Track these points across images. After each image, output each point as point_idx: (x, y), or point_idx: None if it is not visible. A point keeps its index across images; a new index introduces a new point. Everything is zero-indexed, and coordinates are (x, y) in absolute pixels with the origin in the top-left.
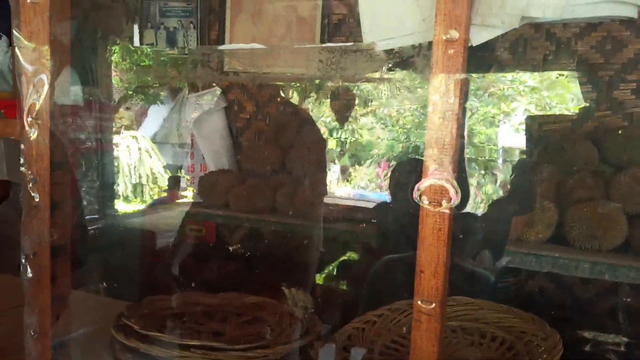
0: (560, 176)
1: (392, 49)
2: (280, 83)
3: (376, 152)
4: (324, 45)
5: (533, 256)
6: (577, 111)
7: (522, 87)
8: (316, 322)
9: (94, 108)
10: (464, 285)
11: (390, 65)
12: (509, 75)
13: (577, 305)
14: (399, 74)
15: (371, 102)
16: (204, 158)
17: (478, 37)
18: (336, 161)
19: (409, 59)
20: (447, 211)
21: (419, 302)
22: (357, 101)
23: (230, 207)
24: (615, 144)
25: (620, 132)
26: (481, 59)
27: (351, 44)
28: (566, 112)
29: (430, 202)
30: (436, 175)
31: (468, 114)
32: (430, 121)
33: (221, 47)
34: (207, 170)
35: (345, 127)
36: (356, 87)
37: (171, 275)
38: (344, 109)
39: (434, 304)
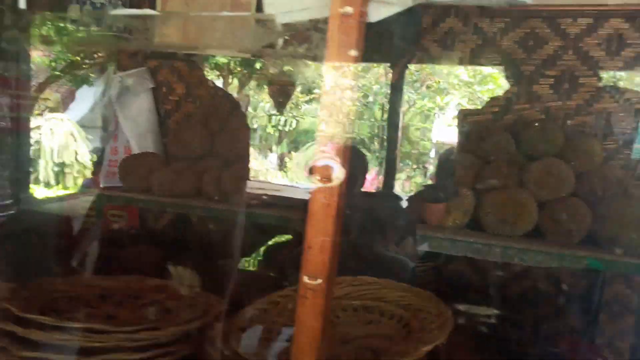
0: (479, 165)
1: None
2: (211, 63)
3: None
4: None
5: (449, 241)
6: (499, 104)
7: (456, 81)
8: (216, 304)
9: (10, 85)
10: (383, 269)
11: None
12: (444, 69)
13: (492, 287)
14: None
15: (309, 87)
16: (128, 141)
17: (376, 13)
18: (274, 148)
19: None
20: (335, 187)
21: (305, 278)
22: (297, 86)
23: (154, 191)
24: (530, 136)
25: (536, 124)
26: (406, 49)
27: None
28: (490, 105)
29: (319, 179)
30: (325, 154)
31: (405, 106)
32: (324, 98)
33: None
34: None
35: (285, 113)
36: (296, 70)
37: (84, 262)
38: (281, 93)
39: (319, 280)
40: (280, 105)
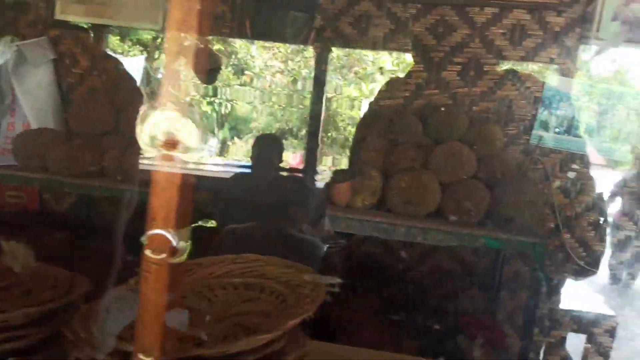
0: (387, 148)
1: None
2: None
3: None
4: None
5: (356, 221)
6: (410, 89)
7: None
8: (83, 283)
9: None
10: (293, 251)
11: None
12: (370, 55)
13: (401, 265)
14: None
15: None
16: (27, 116)
17: None
18: (216, 132)
19: None
20: (179, 156)
21: (148, 252)
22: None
23: (50, 169)
24: (436, 120)
25: (443, 109)
26: (318, 30)
27: None
28: (401, 90)
29: (163, 146)
30: (168, 122)
31: (332, 92)
32: (164, 77)
33: None
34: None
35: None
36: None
37: None
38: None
39: (163, 254)
40: (207, 82)
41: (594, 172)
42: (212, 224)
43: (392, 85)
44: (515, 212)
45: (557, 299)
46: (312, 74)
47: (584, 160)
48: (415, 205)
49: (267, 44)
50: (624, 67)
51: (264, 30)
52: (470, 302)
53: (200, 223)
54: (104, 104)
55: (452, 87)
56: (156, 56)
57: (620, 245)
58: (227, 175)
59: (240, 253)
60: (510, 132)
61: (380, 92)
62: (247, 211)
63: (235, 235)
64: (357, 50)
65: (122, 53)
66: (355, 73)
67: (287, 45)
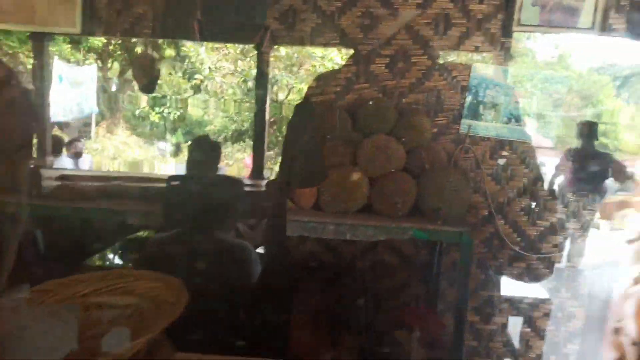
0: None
1: None
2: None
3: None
4: None
5: (288, 222)
6: (340, 84)
7: (330, 64)
8: None
9: None
10: (220, 256)
11: None
12: (318, 51)
13: (343, 262)
14: None
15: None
16: None
17: None
18: (168, 137)
19: None
20: None
21: None
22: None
23: None
24: (365, 114)
25: (370, 102)
26: (250, 27)
27: None
28: (332, 85)
29: None
30: None
31: (285, 91)
32: None
33: None
34: None
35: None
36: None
37: None
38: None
39: None
40: (145, 89)
41: (526, 157)
42: (147, 234)
43: (322, 80)
44: (441, 202)
45: (496, 286)
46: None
47: (513, 146)
48: (344, 201)
49: (217, 44)
50: (548, 51)
51: (215, 31)
52: (410, 295)
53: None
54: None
55: (381, 80)
56: (109, 65)
57: (554, 228)
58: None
59: (163, 263)
60: (440, 123)
61: (310, 88)
62: (178, 218)
63: (159, 244)
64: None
65: (76, 62)
66: (306, 71)
67: (236, 46)
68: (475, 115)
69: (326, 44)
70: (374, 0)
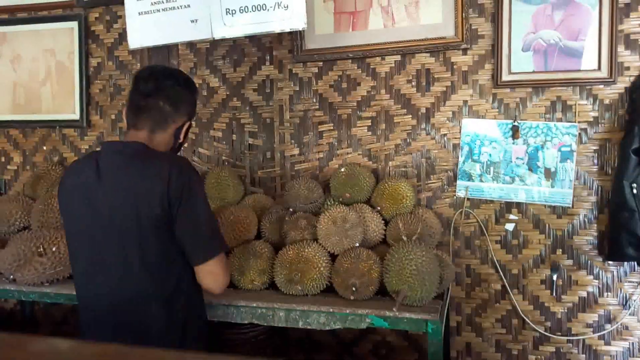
0: (282, 217)
1: None
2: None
3: None
4: None
5: (234, 307)
6: (324, 149)
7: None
8: None
9: None
10: None
11: None
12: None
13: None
14: None
15: None
16: None
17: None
18: None
19: None
20: None
21: None
22: None
23: None
24: (337, 182)
25: (342, 169)
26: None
27: None
28: (314, 152)
29: None
30: None
31: None
32: None
33: None
34: None
35: None
36: None
37: None
38: None
39: None
40: None
41: (537, 220)
42: None
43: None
44: (401, 283)
45: None
46: None
47: (521, 208)
48: (299, 282)
49: None
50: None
51: None
52: None
53: None
54: None
55: (364, 143)
56: None
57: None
58: None
59: None
60: (432, 185)
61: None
62: None
63: None
64: None
65: None
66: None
67: None
68: (472, 176)
69: (306, 110)
70: (350, 62)
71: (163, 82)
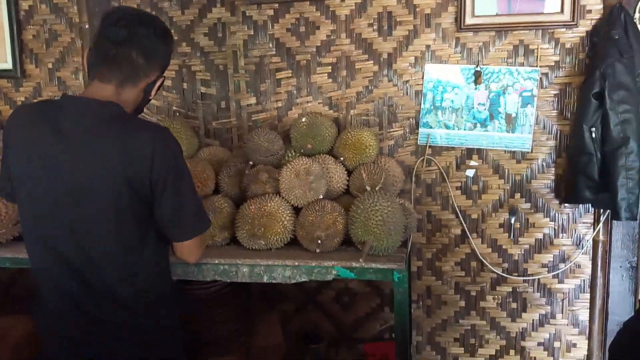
0: (241, 170)
1: None
2: None
3: None
4: None
5: (195, 266)
6: (281, 99)
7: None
8: None
9: None
10: None
11: None
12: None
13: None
14: None
15: None
16: None
17: None
18: None
19: None
20: None
21: None
22: None
23: None
24: (298, 133)
25: (304, 119)
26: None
27: None
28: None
29: None
30: None
31: None
32: None
33: None
34: None
35: None
36: None
37: None
38: None
39: None
40: None
41: (497, 166)
42: None
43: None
44: (367, 233)
45: (479, 314)
46: None
47: (482, 154)
48: (262, 237)
49: None
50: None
51: None
52: (378, 327)
53: None
54: None
55: (324, 91)
56: None
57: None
58: None
59: None
60: (394, 134)
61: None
62: None
63: None
64: None
65: None
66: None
67: None
68: (435, 123)
69: (261, 56)
70: (308, 4)
71: (137, 29)
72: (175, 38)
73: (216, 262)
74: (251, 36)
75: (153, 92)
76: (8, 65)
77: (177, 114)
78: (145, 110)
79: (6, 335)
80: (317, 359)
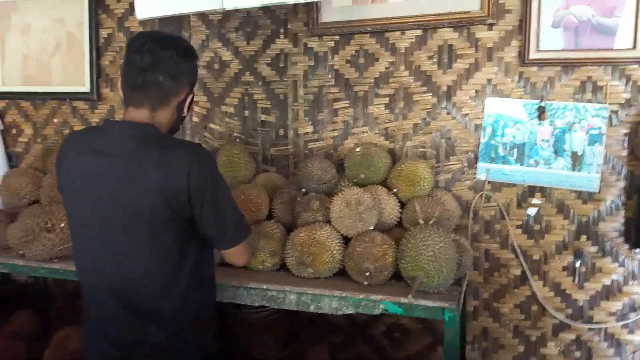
0: (293, 198)
1: None
2: None
3: None
4: None
5: (244, 289)
6: (339, 127)
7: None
8: None
9: None
10: None
11: None
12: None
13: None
14: None
15: None
16: None
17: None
18: None
19: None
20: None
21: None
22: None
23: None
24: (352, 162)
25: (358, 150)
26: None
27: None
28: (327, 130)
29: None
30: None
31: None
32: None
33: None
34: None
35: None
36: None
37: None
38: None
39: None
40: None
41: (561, 205)
42: None
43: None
44: (417, 269)
45: (537, 359)
46: None
47: (545, 193)
48: (310, 265)
49: None
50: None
51: None
52: None
53: None
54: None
55: (380, 122)
56: None
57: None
58: None
59: None
60: (452, 167)
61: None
62: None
63: None
64: None
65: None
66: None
67: None
68: (494, 157)
69: (320, 87)
70: (368, 37)
71: (160, 53)
72: (240, 68)
73: (264, 287)
74: (311, 67)
75: (185, 110)
76: (86, 88)
77: (238, 139)
78: (207, 135)
79: (66, 344)
80: None
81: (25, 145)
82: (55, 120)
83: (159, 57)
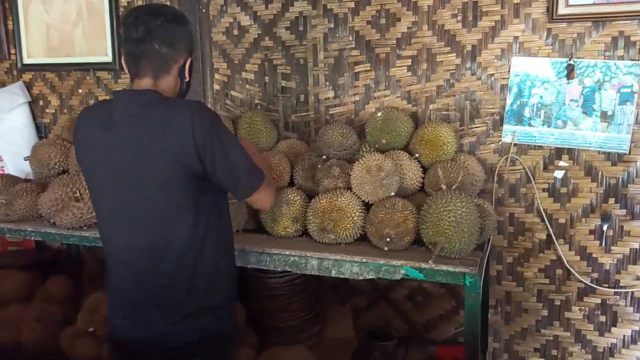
0: (314, 164)
1: None
2: None
3: None
4: None
5: (267, 255)
6: (359, 92)
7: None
8: None
9: None
10: None
11: None
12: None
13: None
14: None
15: None
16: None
17: None
18: None
19: None
20: None
21: None
22: None
23: None
24: (372, 127)
25: (379, 114)
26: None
27: None
28: (350, 95)
29: None
30: None
31: None
32: None
33: None
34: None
35: None
36: None
37: None
38: None
39: None
40: None
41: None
42: None
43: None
44: (438, 234)
45: (563, 325)
46: None
47: (573, 154)
48: (331, 231)
49: None
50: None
51: None
52: (453, 330)
53: None
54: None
55: (403, 85)
56: None
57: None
58: None
59: None
60: (477, 130)
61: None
62: None
63: None
64: None
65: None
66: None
67: None
68: (520, 119)
69: (341, 49)
70: None
71: (151, 22)
72: (259, 33)
73: (287, 253)
74: (331, 29)
75: (187, 75)
76: (109, 58)
77: (259, 107)
78: (229, 103)
79: (97, 308)
80: (386, 356)
81: (53, 116)
82: (80, 90)
83: (152, 26)
